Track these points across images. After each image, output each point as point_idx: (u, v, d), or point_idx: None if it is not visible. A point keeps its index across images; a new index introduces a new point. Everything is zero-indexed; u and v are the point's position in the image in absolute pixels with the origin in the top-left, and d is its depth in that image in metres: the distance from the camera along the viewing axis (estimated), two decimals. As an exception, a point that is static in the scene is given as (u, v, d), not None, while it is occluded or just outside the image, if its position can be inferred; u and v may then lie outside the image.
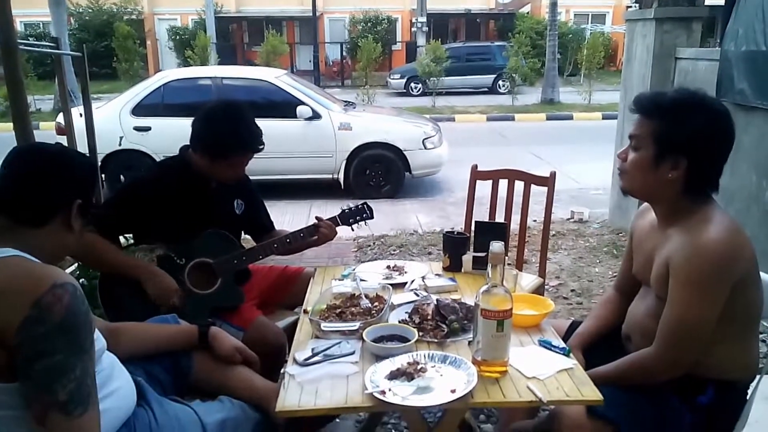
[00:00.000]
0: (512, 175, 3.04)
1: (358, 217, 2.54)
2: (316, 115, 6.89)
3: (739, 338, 1.66)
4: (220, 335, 1.80)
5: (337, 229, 2.56)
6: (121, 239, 2.41)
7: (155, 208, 2.23)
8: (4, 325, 1.19)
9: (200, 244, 2.30)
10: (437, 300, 1.82)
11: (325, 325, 1.72)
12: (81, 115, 7.00)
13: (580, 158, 8.56)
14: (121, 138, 6.82)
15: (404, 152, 6.94)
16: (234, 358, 1.78)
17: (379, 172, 7.06)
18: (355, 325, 1.70)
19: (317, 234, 2.46)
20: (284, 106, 6.89)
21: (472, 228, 2.53)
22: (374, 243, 5.36)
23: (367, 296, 1.94)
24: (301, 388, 1.47)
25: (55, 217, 1.38)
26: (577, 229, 5.54)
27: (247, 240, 2.66)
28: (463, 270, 2.23)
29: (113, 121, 6.82)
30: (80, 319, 1.26)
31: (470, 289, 2.10)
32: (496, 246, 1.46)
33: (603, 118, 12.73)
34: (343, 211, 2.54)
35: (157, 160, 6.81)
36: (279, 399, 1.43)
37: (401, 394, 1.42)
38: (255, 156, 2.39)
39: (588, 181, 7.36)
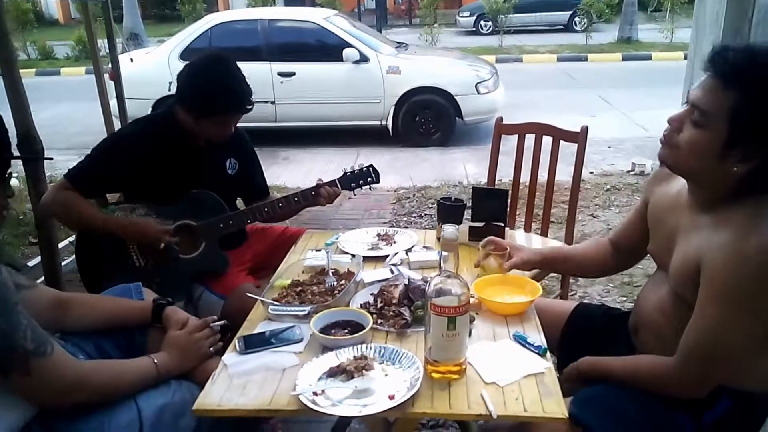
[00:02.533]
0: (540, 130, 2.72)
1: (361, 181, 2.33)
2: (363, 58, 6.61)
3: None
4: (173, 315, 1.67)
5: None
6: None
7: (137, 166, 2.11)
8: None
9: (185, 206, 2.18)
10: (408, 280, 1.61)
11: (273, 308, 1.55)
12: (131, 60, 7.10)
13: (653, 103, 7.86)
14: (170, 83, 6.79)
15: (456, 97, 6.58)
16: None
17: (429, 118, 6.75)
18: (305, 309, 1.52)
19: (315, 199, 2.27)
20: (331, 49, 6.65)
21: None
22: (414, 195, 5.14)
23: (336, 272, 1.76)
24: (230, 382, 1.32)
25: None
26: (636, 183, 5.09)
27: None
28: (458, 241, 1.99)
29: (162, 66, 6.78)
30: None
31: (463, 264, 1.87)
32: (449, 231, 1.24)
33: (685, 58, 11.66)
34: (345, 173, 2.33)
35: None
36: (201, 395, 1.29)
37: (335, 397, 1.24)
38: (301, 101, 2.21)
39: (658, 130, 6.76)
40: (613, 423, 1.41)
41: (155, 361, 1.53)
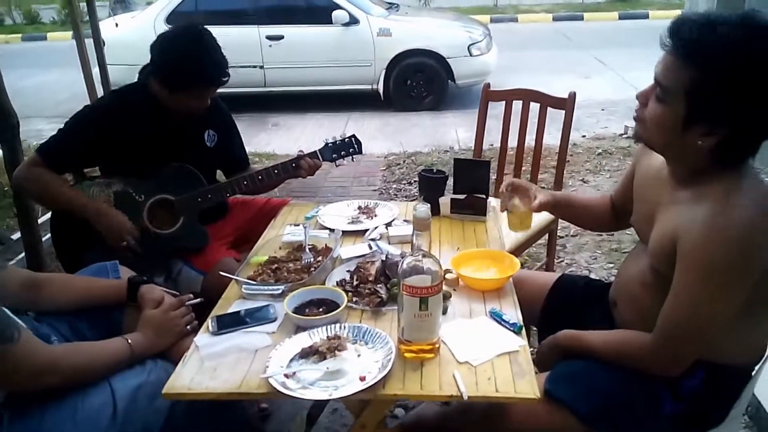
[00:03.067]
0: (527, 96, 2.67)
1: (343, 152, 2.27)
2: (353, 20, 6.48)
3: (755, 322, 1.34)
4: (148, 294, 1.65)
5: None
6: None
7: (110, 141, 2.05)
8: None
9: (162, 180, 2.13)
10: (386, 256, 1.58)
11: (247, 287, 1.52)
12: (116, 25, 6.93)
13: (649, 64, 7.75)
14: (156, 48, 6.67)
15: (448, 60, 6.47)
16: None
17: (420, 81, 6.65)
18: (279, 288, 1.49)
19: (296, 170, 2.22)
20: (319, 11, 6.51)
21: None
22: (404, 161, 5.09)
23: (314, 248, 1.73)
24: (201, 365, 1.31)
25: None
26: (629, 146, 5.03)
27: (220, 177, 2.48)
28: (441, 214, 1.97)
29: (148, 31, 6.58)
30: None
31: (444, 238, 1.85)
32: (421, 210, 1.20)
33: (684, 16, 11.47)
34: (326, 144, 2.27)
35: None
36: (171, 378, 1.27)
37: (306, 379, 1.23)
38: (290, 65, 2.15)
39: (652, 91, 6.68)
40: (589, 398, 1.40)
41: (129, 341, 1.51)
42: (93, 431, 1.35)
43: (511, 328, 1.36)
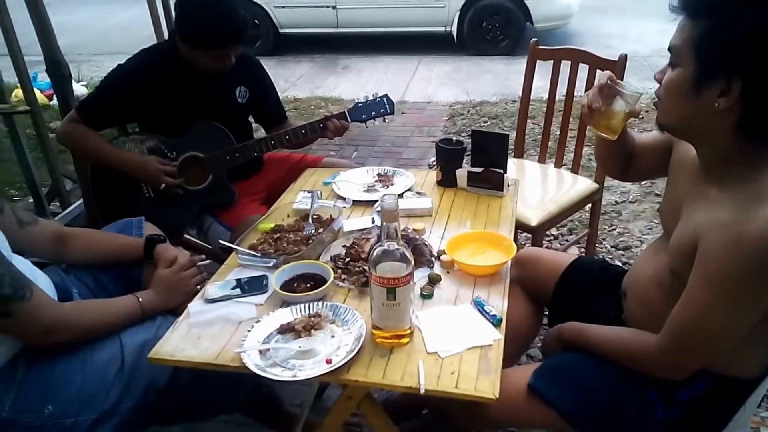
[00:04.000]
0: (575, 56, 2.52)
1: (373, 113, 2.25)
2: (428, -42, 6.24)
3: (759, 339, 1.26)
4: (163, 253, 1.73)
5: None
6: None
7: (141, 99, 2.13)
8: None
9: (192, 137, 2.20)
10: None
11: (243, 257, 1.57)
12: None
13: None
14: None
15: (526, 1, 6.14)
16: None
17: (496, 24, 6.38)
18: (271, 261, 1.53)
19: (323, 131, 2.23)
20: (394, -51, 6.31)
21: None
22: (468, 111, 4.97)
23: (319, 219, 1.75)
24: (188, 332, 1.38)
25: None
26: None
27: (258, 130, 2.52)
28: (458, 186, 1.93)
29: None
30: None
31: (454, 213, 1.81)
32: (388, 201, 1.18)
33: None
34: (357, 105, 2.26)
35: (268, 10, 6.70)
36: (159, 342, 1.35)
37: (279, 356, 1.27)
38: (363, 5, 2.14)
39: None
40: (575, 396, 1.38)
41: (140, 299, 1.60)
42: (101, 383, 1.45)
43: (491, 320, 1.34)
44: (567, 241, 3.04)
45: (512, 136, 3.67)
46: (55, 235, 1.74)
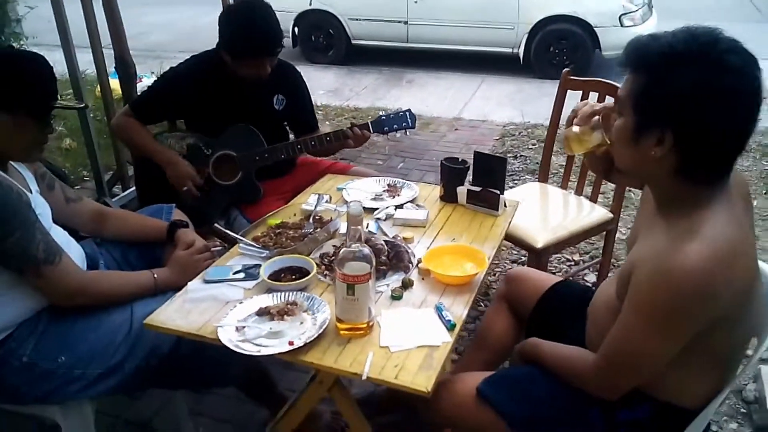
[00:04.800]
0: (604, 89, 2.60)
1: (395, 125, 2.41)
2: (500, -19, 6.34)
3: (707, 371, 1.34)
4: (183, 236, 1.94)
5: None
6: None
7: (187, 100, 2.37)
8: None
9: (228, 137, 2.42)
10: (368, 237, 1.72)
11: (243, 246, 1.76)
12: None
13: None
14: (312, -4, 7.06)
15: (595, 29, 6.14)
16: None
17: (564, 49, 6.39)
18: (265, 252, 1.71)
19: (345, 140, 2.41)
20: (467, -30, 6.45)
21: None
22: (519, 133, 5.02)
23: (320, 219, 1.91)
24: (181, 305, 1.57)
25: None
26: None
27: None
28: (458, 202, 2.05)
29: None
30: (15, 202, 1.54)
31: (447, 227, 1.93)
32: (354, 207, 1.33)
33: None
34: (380, 117, 2.42)
35: (343, 22, 6.98)
36: (155, 311, 1.55)
37: (250, 335, 1.44)
38: (433, 22, 2.33)
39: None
40: (521, 405, 1.47)
41: (155, 276, 1.82)
42: (110, 343, 1.66)
43: (446, 324, 1.46)
44: (589, 269, 3.08)
45: (556, 160, 3.76)
46: (94, 213, 1.99)
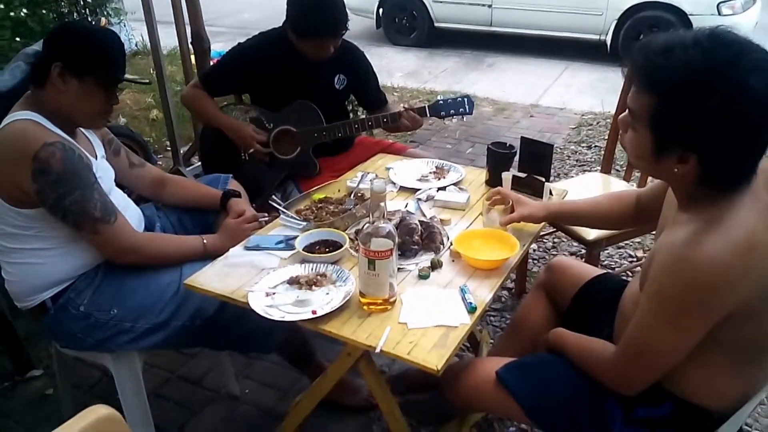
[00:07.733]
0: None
1: (452, 111, 2.42)
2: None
3: (735, 371, 1.28)
4: (235, 206, 2.04)
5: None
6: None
7: (252, 75, 2.47)
8: (19, 177, 1.60)
9: (290, 113, 2.50)
10: (405, 216, 1.75)
11: (284, 218, 1.83)
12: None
13: None
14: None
15: (690, 17, 5.80)
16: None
17: (655, 37, 6.07)
18: (302, 224, 1.77)
19: (401, 121, 2.44)
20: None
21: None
22: (597, 123, 4.86)
23: (361, 197, 1.95)
24: (221, 269, 1.66)
25: (47, 77, 1.67)
26: None
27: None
28: (503, 187, 2.03)
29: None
30: (77, 164, 1.66)
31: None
32: (377, 184, 1.36)
33: None
34: (438, 101, 2.44)
35: (427, 4, 6.96)
36: (196, 273, 1.65)
37: (279, 301, 1.51)
38: (518, 6, 2.38)
39: None
40: (537, 394, 1.47)
41: (204, 241, 1.92)
42: (158, 300, 1.77)
43: (467, 307, 1.47)
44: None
45: (622, 151, 3.63)
46: (155, 179, 2.12)
